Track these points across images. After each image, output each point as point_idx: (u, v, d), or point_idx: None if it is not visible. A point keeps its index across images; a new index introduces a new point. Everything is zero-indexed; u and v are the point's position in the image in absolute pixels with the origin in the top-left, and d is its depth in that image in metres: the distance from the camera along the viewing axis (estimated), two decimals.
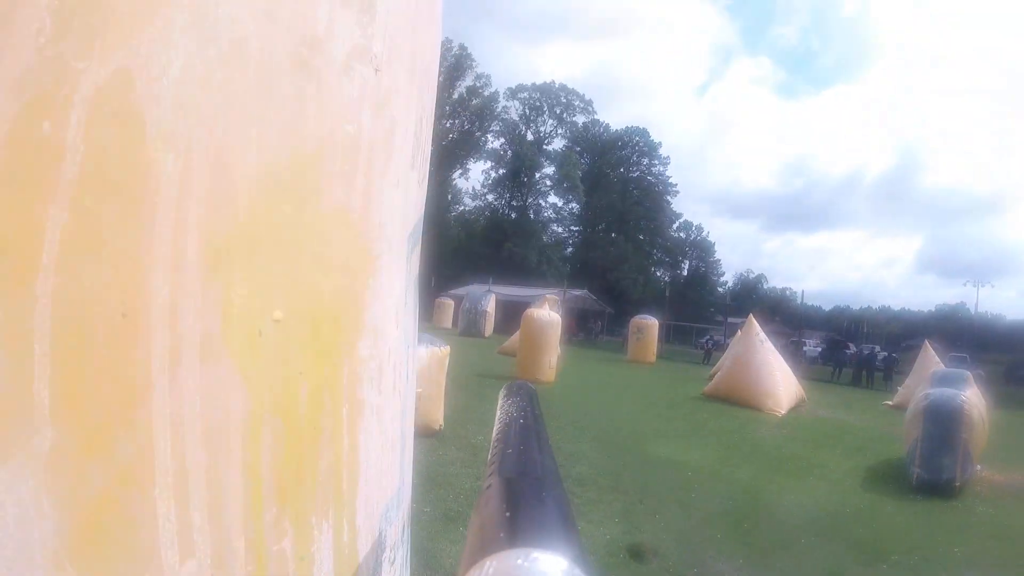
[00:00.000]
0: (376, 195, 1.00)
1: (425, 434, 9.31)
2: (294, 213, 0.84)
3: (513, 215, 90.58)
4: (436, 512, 6.37)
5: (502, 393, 2.02)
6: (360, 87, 0.93)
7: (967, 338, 55.95)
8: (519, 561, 0.75)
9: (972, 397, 10.42)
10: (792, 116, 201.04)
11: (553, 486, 1.12)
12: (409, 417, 1.29)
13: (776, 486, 9.37)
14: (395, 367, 1.11)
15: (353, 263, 0.96)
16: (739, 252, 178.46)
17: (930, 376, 11.99)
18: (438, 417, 9.66)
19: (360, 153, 0.94)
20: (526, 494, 1.06)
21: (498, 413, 1.80)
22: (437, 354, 9.55)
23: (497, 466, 1.25)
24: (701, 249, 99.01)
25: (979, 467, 10.50)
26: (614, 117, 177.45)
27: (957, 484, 9.70)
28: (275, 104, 0.81)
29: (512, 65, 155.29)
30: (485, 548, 0.80)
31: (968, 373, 11.46)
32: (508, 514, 0.92)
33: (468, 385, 14.36)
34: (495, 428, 1.67)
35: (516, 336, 22.44)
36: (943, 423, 10.00)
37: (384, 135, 1.01)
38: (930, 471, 9.77)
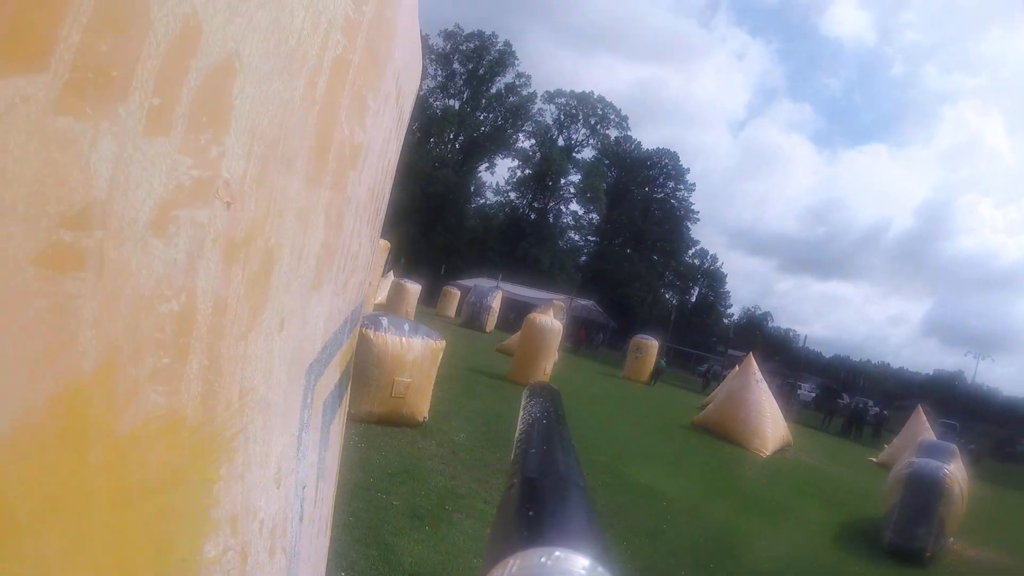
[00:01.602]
0: (232, 364, 0.79)
1: (409, 424, 9.32)
2: (64, 461, 0.61)
3: (532, 216, 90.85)
4: (405, 507, 6.32)
5: (525, 393, 2.01)
6: (190, 242, 0.69)
7: (960, 406, 55.94)
8: (542, 559, 0.75)
9: (955, 471, 10.37)
10: (824, 165, 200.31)
11: (576, 486, 1.11)
12: (312, 556, 1.20)
13: (748, 528, 9.32)
14: (275, 529, 0.98)
15: (184, 471, 0.75)
16: (750, 287, 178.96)
17: (917, 444, 12.00)
18: (423, 409, 9.63)
19: (194, 328, 0.72)
20: (549, 494, 1.05)
21: (521, 413, 1.79)
22: (432, 346, 9.54)
23: (520, 466, 1.24)
24: (713, 278, 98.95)
25: (952, 540, 10.48)
26: (647, 137, 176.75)
27: (928, 554, 9.67)
28: (13, 336, 0.55)
29: (556, 70, 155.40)
30: (509, 547, 0.81)
31: (954, 447, 11.46)
32: (531, 513, 0.92)
33: (460, 379, 14.35)
34: (518, 428, 1.67)
35: (516, 336, 22.42)
36: (923, 494, 9.98)
37: (249, 281, 0.80)
38: (903, 538, 9.75)
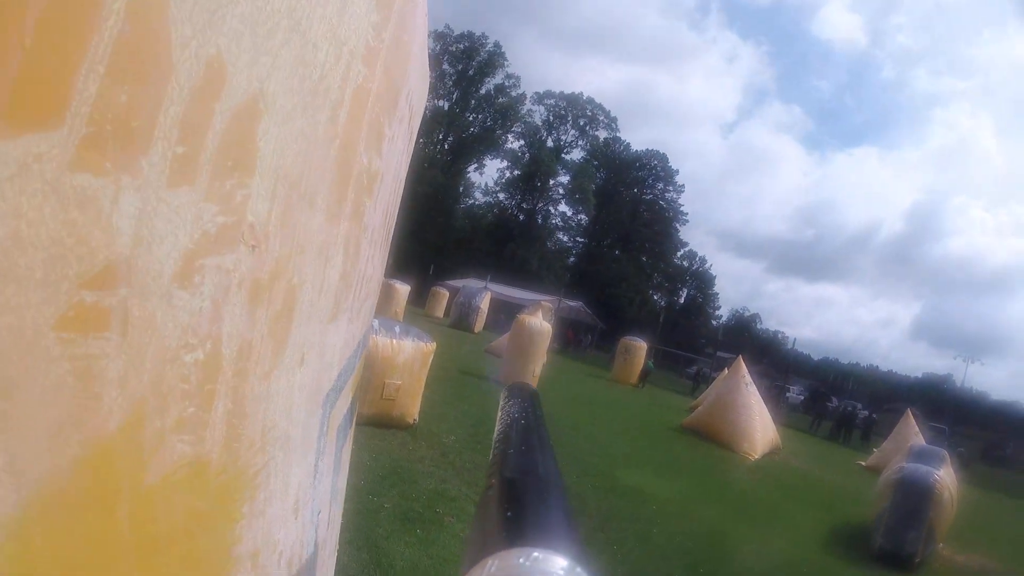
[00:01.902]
0: (255, 405, 0.78)
1: (399, 427, 9.31)
2: (90, 521, 0.58)
3: (521, 217, 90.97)
4: (396, 510, 6.29)
5: (503, 394, 2.01)
6: (215, 289, 0.66)
7: (949, 410, 56.37)
8: (520, 560, 0.74)
9: (945, 477, 10.42)
10: (814, 167, 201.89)
11: (554, 486, 1.11)
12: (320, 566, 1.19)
13: (739, 532, 9.34)
14: (292, 559, 0.98)
15: (209, 514, 0.74)
16: (739, 289, 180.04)
17: (908, 449, 12.04)
18: (414, 411, 9.62)
19: (219, 375, 0.70)
20: (527, 494, 1.05)
21: (499, 414, 1.79)
22: (422, 349, 9.52)
23: (499, 466, 1.23)
24: (701, 280, 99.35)
25: (941, 545, 10.54)
26: (637, 138, 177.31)
27: (917, 560, 9.73)
28: (34, 405, 0.51)
29: (546, 72, 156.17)
30: (487, 547, 0.80)
31: (945, 452, 11.51)
32: (510, 514, 0.91)
33: (450, 381, 14.33)
34: (496, 429, 1.67)
35: (505, 337, 22.42)
36: (913, 499, 10.03)
37: (273, 321, 0.78)
38: (893, 543, 9.80)
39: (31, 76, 0.45)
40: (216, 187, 0.63)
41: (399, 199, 1.27)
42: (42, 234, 0.49)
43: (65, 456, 0.54)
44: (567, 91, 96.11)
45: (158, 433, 0.63)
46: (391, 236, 1.25)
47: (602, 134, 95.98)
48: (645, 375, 33.23)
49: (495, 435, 1.62)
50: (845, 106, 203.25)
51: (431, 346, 9.72)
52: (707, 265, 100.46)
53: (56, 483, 0.54)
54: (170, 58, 0.54)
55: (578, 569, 0.73)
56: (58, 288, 0.51)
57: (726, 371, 22.98)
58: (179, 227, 0.60)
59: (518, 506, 0.96)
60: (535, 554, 0.75)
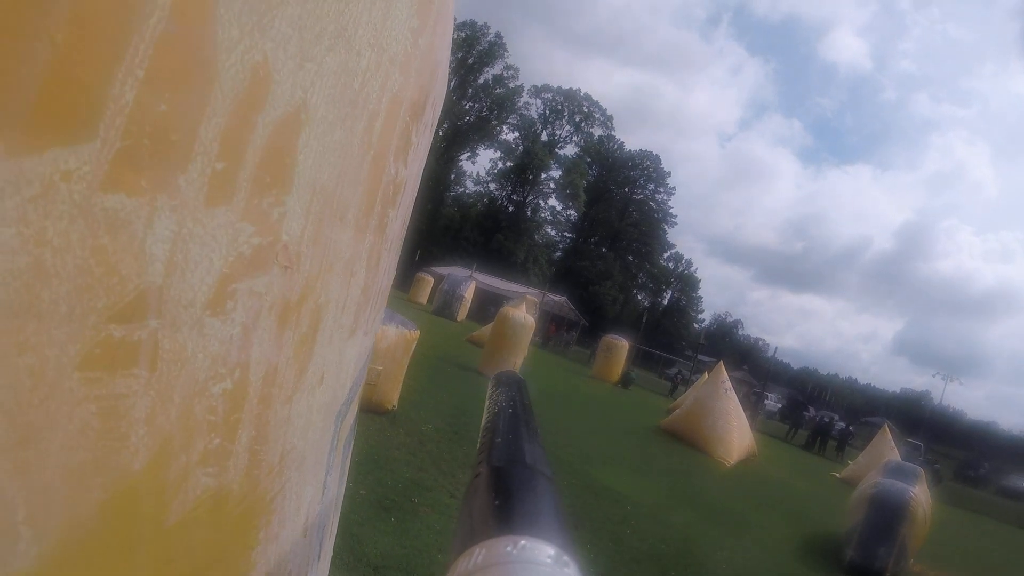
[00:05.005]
0: (276, 429, 0.74)
1: (378, 412, 9.24)
2: (111, 565, 0.54)
3: (511, 208, 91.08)
4: (371, 497, 6.25)
5: (491, 383, 1.99)
6: (246, 314, 0.62)
7: (925, 427, 56.96)
8: (508, 548, 0.72)
9: (920, 494, 10.50)
10: (809, 181, 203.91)
11: (542, 475, 1.06)
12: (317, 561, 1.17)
13: (711, 538, 9.35)
14: (293, 573, 0.93)
15: (228, 545, 0.71)
16: (724, 295, 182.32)
17: (883, 464, 12.09)
18: (393, 397, 9.55)
19: (246, 403, 0.66)
20: (515, 482, 1.00)
21: (487, 403, 1.77)
22: (405, 336, 9.45)
23: (487, 454, 1.17)
24: (686, 283, 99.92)
25: (912, 561, 10.61)
26: (636, 141, 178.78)
27: (887, 575, 9.77)
28: (56, 451, 0.47)
29: (549, 68, 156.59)
30: (474, 535, 0.78)
31: (920, 469, 11.58)
32: (497, 502, 0.88)
33: (430, 368, 14.29)
34: (484, 417, 1.65)
35: (488, 327, 22.44)
36: (887, 515, 10.10)
37: (298, 343, 0.74)
38: (864, 557, 9.86)
39: (61, 78, 0.40)
40: (253, 205, 0.58)
41: (413, 204, 1.23)
42: (68, 263, 0.44)
43: (87, 502, 0.50)
44: (566, 87, 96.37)
45: (183, 468, 0.59)
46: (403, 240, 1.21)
47: (597, 131, 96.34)
48: (629, 382, 33.14)
49: (483, 423, 1.61)
50: (845, 124, 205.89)
51: (415, 333, 9.66)
52: (692, 268, 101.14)
53: (78, 531, 0.50)
54: (215, 63, 0.49)
55: (565, 557, 0.72)
56: (84, 323, 0.46)
57: (706, 375, 23.06)
58: (214, 251, 0.55)
59: (506, 494, 0.93)
60: (522, 542, 0.73)
